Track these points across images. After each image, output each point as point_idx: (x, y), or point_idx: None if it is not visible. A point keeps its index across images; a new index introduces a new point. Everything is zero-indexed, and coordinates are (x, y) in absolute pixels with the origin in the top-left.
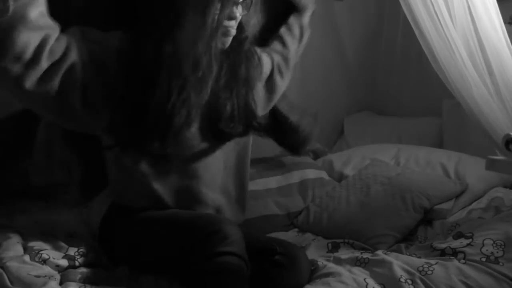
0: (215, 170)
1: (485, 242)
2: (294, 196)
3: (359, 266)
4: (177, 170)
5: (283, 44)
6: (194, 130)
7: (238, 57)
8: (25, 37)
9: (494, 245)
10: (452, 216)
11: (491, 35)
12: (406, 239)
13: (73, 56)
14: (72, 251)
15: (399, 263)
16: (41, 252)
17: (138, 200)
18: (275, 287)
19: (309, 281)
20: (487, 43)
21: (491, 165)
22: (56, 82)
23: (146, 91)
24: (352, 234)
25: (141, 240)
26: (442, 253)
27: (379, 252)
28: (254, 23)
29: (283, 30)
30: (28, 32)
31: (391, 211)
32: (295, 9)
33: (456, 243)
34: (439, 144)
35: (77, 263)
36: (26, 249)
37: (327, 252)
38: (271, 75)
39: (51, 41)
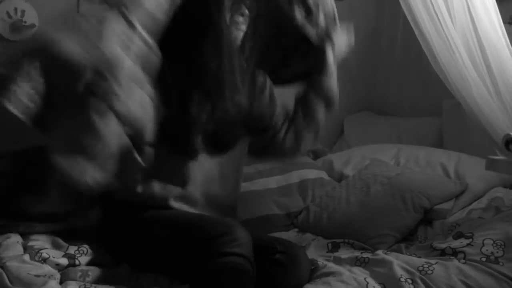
0: (210, 175)
1: (485, 242)
2: (294, 196)
3: (359, 266)
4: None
5: None
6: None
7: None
8: None
9: (494, 245)
10: (452, 216)
11: (491, 35)
12: (406, 239)
13: None
14: (72, 249)
15: (399, 263)
16: (41, 251)
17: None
18: (275, 286)
19: (309, 280)
20: (487, 43)
21: (491, 165)
22: None
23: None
24: (352, 234)
25: (144, 239)
26: (442, 253)
27: (379, 252)
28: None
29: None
30: None
31: (391, 211)
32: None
33: (456, 243)
34: (439, 144)
35: (77, 262)
36: (26, 249)
37: (327, 252)
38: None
39: None
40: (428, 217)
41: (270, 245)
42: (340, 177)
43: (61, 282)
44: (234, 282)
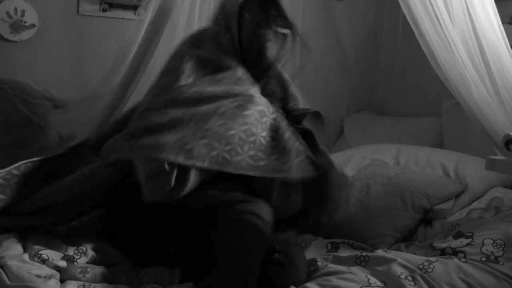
0: None
1: (485, 241)
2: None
3: (359, 264)
4: None
5: None
6: None
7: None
8: None
9: (494, 244)
10: (452, 216)
11: (490, 35)
12: (406, 239)
13: None
14: (71, 250)
15: (400, 261)
16: (40, 252)
17: None
18: (273, 285)
19: (308, 280)
20: (486, 43)
21: (491, 165)
22: None
23: None
24: (352, 234)
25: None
26: (442, 253)
27: (379, 250)
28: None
29: None
30: None
31: (391, 211)
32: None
33: (456, 243)
34: (439, 144)
35: (76, 263)
36: (25, 249)
37: (327, 252)
38: None
39: None
40: (428, 217)
41: (270, 245)
42: None
43: (61, 280)
44: (248, 233)
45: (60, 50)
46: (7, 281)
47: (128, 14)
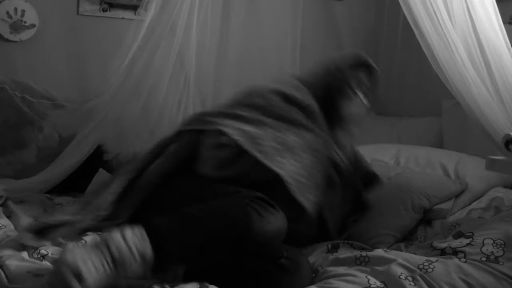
0: None
1: (485, 241)
2: None
3: (359, 265)
4: None
5: None
6: None
7: None
8: None
9: (494, 244)
10: (452, 216)
11: (490, 35)
12: (405, 238)
13: None
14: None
15: (400, 261)
16: (39, 248)
17: None
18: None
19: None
20: (486, 43)
21: (491, 165)
22: None
23: None
24: (352, 233)
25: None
26: (442, 253)
27: (379, 250)
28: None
29: None
30: None
31: (391, 211)
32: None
33: (456, 243)
34: (439, 144)
35: None
36: (25, 246)
37: (327, 252)
38: None
39: None
40: (427, 217)
41: (276, 249)
42: None
43: None
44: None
45: (60, 50)
46: (6, 282)
47: (128, 14)
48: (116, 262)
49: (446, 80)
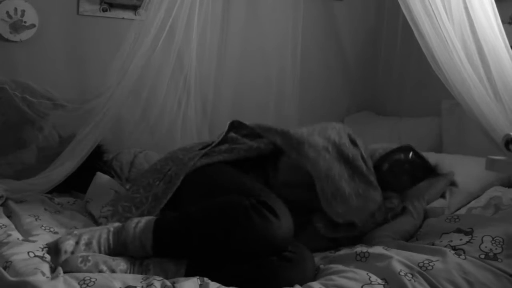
0: None
1: (484, 239)
2: None
3: (359, 260)
4: None
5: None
6: None
7: None
8: None
9: (493, 241)
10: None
11: (490, 35)
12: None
13: None
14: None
15: (399, 258)
16: (43, 248)
17: None
18: (279, 280)
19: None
20: (486, 43)
21: (491, 165)
22: None
23: None
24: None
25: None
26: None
27: (379, 247)
28: None
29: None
30: None
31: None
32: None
33: (456, 241)
34: (439, 144)
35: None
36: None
37: (329, 251)
38: None
39: None
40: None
41: None
42: None
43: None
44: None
45: (60, 50)
46: (9, 278)
47: (128, 14)
48: (120, 242)
49: (445, 80)
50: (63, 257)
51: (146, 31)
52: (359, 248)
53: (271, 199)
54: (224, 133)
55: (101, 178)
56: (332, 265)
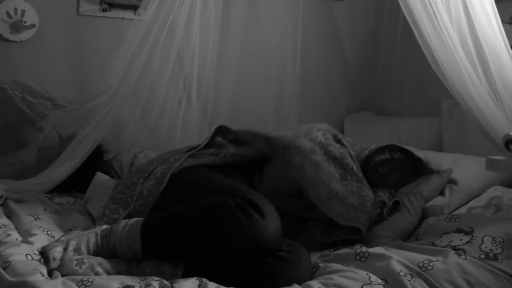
0: None
1: (484, 239)
2: None
3: (359, 260)
4: None
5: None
6: None
7: None
8: None
9: (493, 242)
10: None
11: (490, 35)
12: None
13: None
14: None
15: (399, 258)
16: (40, 249)
17: None
18: (276, 280)
19: (310, 279)
20: (486, 43)
21: (491, 165)
22: None
23: None
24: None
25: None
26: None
27: (380, 247)
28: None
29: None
30: None
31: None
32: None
33: (456, 241)
34: (439, 144)
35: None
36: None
37: (328, 249)
38: None
39: None
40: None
41: None
42: None
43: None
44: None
45: (60, 50)
46: (8, 278)
47: (128, 14)
48: (109, 246)
49: (445, 80)
50: (52, 264)
51: (146, 31)
52: (359, 248)
53: (256, 198)
54: (209, 137)
55: (101, 178)
56: (331, 264)
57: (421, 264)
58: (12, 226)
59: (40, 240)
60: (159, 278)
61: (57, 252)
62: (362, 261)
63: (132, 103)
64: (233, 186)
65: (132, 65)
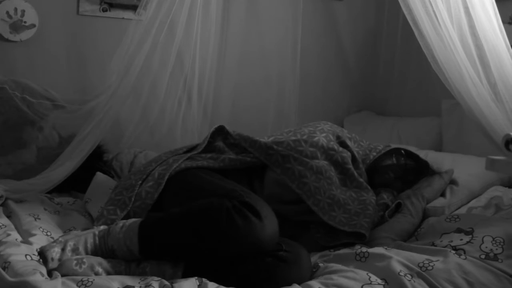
0: None
1: (484, 239)
2: None
3: (359, 260)
4: None
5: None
6: None
7: None
8: None
9: (494, 242)
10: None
11: (490, 35)
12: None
13: None
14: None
15: (399, 258)
16: (38, 249)
17: None
18: (276, 280)
19: (310, 279)
20: (486, 43)
21: (491, 165)
22: None
23: None
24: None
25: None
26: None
27: (380, 248)
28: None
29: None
30: None
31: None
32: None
33: (456, 241)
34: (439, 144)
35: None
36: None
37: (328, 249)
38: None
39: None
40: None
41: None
42: None
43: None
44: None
45: (60, 50)
46: (8, 278)
47: (128, 14)
48: (107, 247)
49: (445, 80)
50: (50, 264)
51: (146, 31)
52: (359, 248)
53: (253, 200)
54: (208, 137)
55: (100, 178)
56: (331, 264)
57: (421, 264)
58: (12, 226)
59: (39, 240)
60: (159, 278)
61: (55, 253)
62: (362, 261)
63: (132, 103)
64: (231, 188)
65: (131, 65)
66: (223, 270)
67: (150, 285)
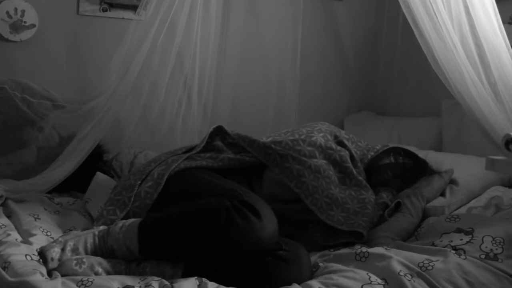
0: None
1: (484, 239)
2: None
3: (359, 260)
4: None
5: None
6: None
7: None
8: None
9: (494, 242)
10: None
11: (490, 35)
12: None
13: None
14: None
15: (399, 258)
16: (38, 249)
17: None
18: (276, 279)
19: (310, 279)
20: (486, 43)
21: (491, 165)
22: None
23: None
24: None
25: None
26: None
27: (380, 248)
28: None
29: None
30: None
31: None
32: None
33: (456, 241)
34: (439, 144)
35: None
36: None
37: (328, 249)
38: None
39: None
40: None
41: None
42: None
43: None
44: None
45: (60, 50)
46: (8, 278)
47: (128, 14)
48: (107, 247)
49: (445, 80)
50: (50, 265)
51: (146, 31)
52: (359, 248)
53: (253, 199)
54: (206, 138)
55: (100, 178)
56: (331, 264)
57: (421, 264)
58: (12, 226)
59: (39, 240)
60: (159, 278)
61: (55, 253)
62: (362, 261)
63: (132, 103)
64: (230, 188)
65: (131, 65)
66: (223, 269)
67: (150, 285)
